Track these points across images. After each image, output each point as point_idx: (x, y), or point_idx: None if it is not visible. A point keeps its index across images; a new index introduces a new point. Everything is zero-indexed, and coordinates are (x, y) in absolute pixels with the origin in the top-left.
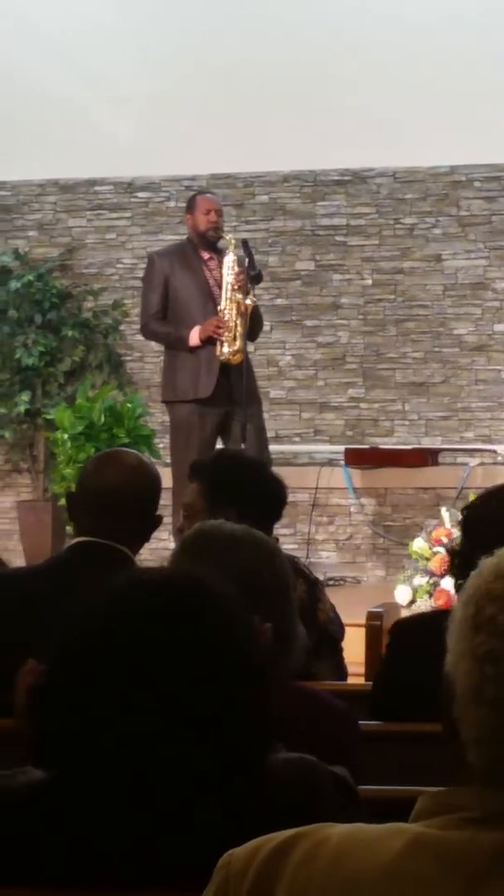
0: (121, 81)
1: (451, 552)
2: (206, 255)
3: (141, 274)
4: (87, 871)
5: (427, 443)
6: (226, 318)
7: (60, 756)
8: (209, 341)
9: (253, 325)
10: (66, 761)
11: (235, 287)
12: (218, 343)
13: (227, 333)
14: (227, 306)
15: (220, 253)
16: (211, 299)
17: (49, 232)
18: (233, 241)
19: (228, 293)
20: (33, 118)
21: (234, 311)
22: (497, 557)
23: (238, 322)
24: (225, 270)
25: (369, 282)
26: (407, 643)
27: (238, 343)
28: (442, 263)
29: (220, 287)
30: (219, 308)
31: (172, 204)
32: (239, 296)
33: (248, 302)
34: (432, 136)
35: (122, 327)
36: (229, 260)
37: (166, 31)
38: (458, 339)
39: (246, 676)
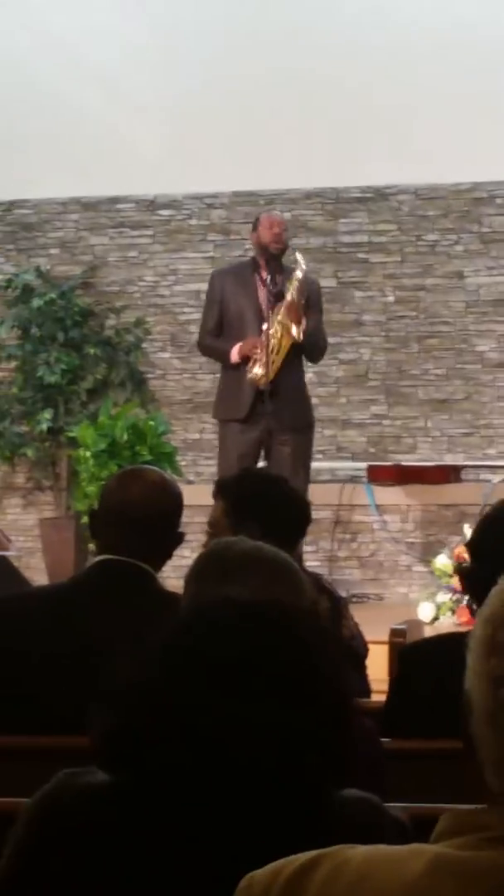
0: (143, 99)
1: (461, 572)
2: (265, 275)
3: (163, 292)
4: (138, 880)
5: (449, 459)
6: (264, 340)
7: (128, 762)
8: (246, 360)
9: (308, 351)
10: (134, 769)
11: (285, 314)
12: (251, 362)
13: (261, 354)
14: (274, 328)
15: (283, 272)
16: (264, 320)
17: (71, 250)
18: (301, 259)
19: (280, 315)
20: (55, 136)
21: (278, 334)
22: None
23: (276, 346)
24: (289, 287)
25: (391, 299)
26: (411, 670)
27: (268, 368)
28: (464, 280)
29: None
30: (264, 327)
31: (194, 222)
32: (287, 321)
33: (294, 333)
34: (454, 153)
35: (144, 345)
36: (294, 285)
37: (189, 49)
38: (481, 356)
39: (332, 710)
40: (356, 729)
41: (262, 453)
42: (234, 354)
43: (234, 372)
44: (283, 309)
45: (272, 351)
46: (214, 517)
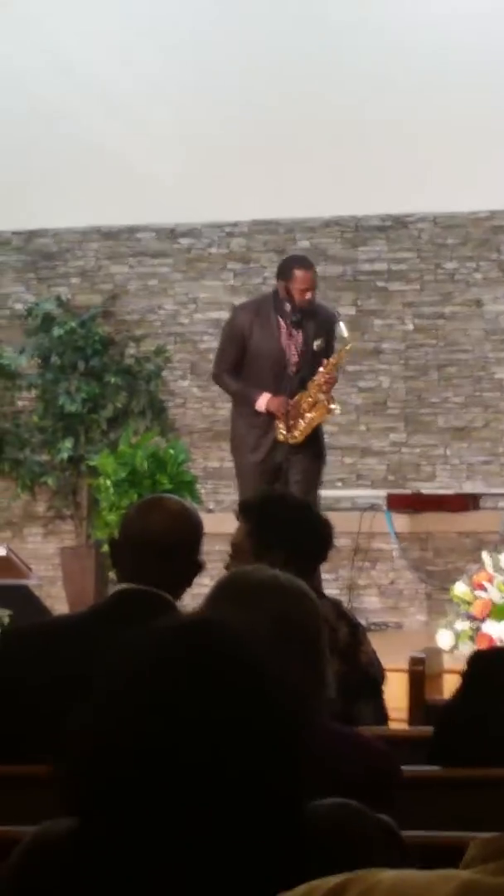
0: (163, 128)
1: None
2: (284, 322)
3: (183, 320)
4: None
5: (468, 487)
6: (298, 407)
7: (89, 805)
8: (273, 416)
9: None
10: (95, 810)
11: (325, 386)
12: (280, 422)
13: (291, 422)
14: (308, 396)
15: (306, 320)
16: (284, 367)
17: (91, 279)
18: (343, 329)
19: (320, 386)
20: (75, 165)
21: (310, 405)
22: None
23: (306, 417)
24: (325, 365)
25: (410, 327)
26: (485, 674)
27: (301, 429)
28: (483, 308)
29: (298, 356)
30: (298, 395)
31: (214, 250)
32: (322, 396)
33: (333, 407)
34: (472, 181)
35: (164, 373)
36: (332, 359)
37: (208, 80)
38: (500, 384)
39: (275, 723)
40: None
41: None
42: (262, 405)
43: (252, 416)
44: (321, 378)
45: (304, 411)
46: (237, 539)
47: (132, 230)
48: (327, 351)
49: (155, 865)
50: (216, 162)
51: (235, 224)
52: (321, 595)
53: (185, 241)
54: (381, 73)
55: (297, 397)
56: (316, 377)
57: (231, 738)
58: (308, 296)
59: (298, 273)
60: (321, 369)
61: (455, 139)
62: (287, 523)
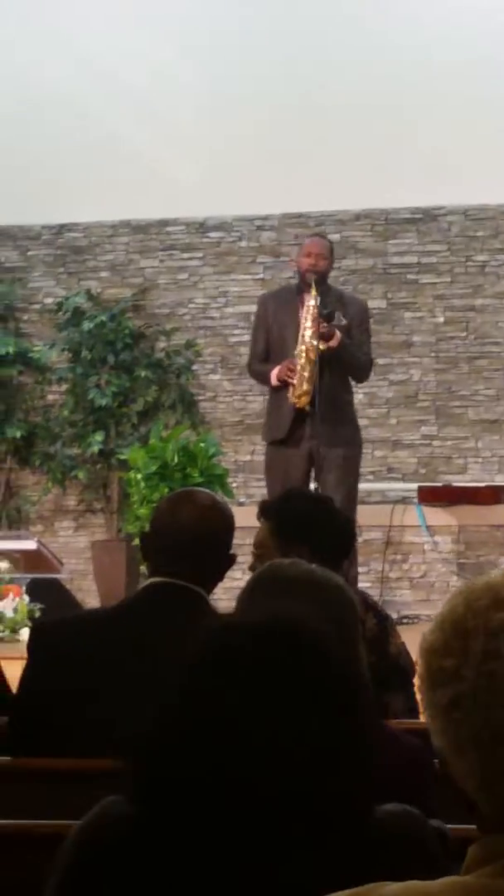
0: (192, 122)
1: None
2: (307, 298)
3: (213, 314)
4: None
5: (500, 480)
6: (297, 362)
7: (157, 795)
8: (284, 383)
9: (345, 365)
10: (162, 801)
11: (311, 331)
12: (290, 387)
13: (295, 377)
14: (300, 350)
15: (331, 295)
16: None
17: (121, 273)
18: (314, 284)
19: (305, 337)
20: (105, 160)
21: (304, 356)
22: (434, 616)
23: (308, 366)
24: (303, 314)
25: (441, 319)
26: None
27: (305, 386)
28: None
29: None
30: (294, 352)
31: (244, 244)
32: (313, 341)
33: (321, 347)
34: (503, 174)
35: (194, 367)
36: (310, 304)
37: (236, 73)
38: None
39: (350, 725)
40: (397, 749)
41: (312, 474)
42: (273, 378)
43: (276, 394)
44: (305, 330)
45: (302, 369)
46: (260, 539)
47: (162, 224)
48: (351, 335)
49: (218, 862)
50: (245, 156)
51: (266, 217)
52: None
53: (214, 235)
54: (410, 65)
55: (295, 358)
56: (306, 326)
57: (305, 744)
58: (312, 260)
59: (306, 241)
60: (307, 324)
61: (485, 131)
62: (308, 521)
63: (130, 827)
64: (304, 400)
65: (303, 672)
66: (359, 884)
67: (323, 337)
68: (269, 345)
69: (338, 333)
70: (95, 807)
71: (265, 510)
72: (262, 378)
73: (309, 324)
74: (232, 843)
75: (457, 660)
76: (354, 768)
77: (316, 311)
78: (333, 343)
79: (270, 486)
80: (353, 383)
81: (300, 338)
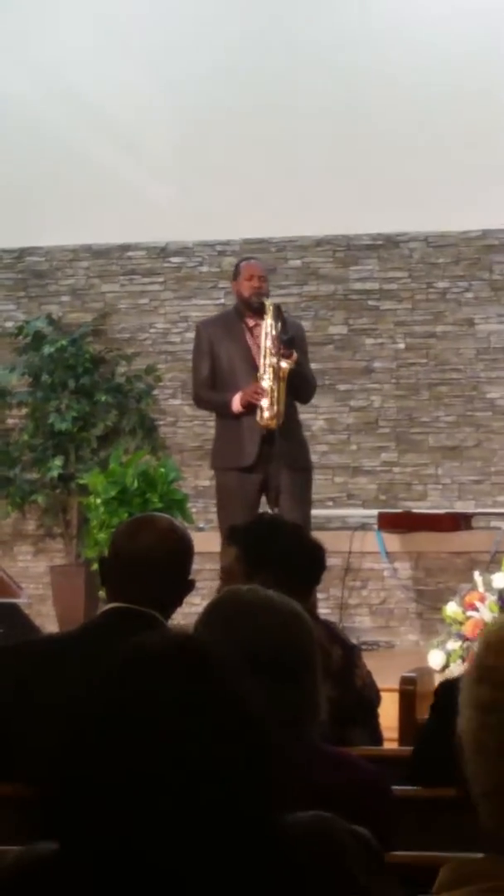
0: (154, 147)
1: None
2: (251, 322)
3: (174, 339)
4: None
5: (460, 507)
6: (263, 384)
7: (66, 827)
8: (250, 407)
9: (298, 386)
10: (72, 832)
11: (273, 352)
12: (258, 409)
13: (264, 399)
14: (266, 371)
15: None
16: (254, 366)
17: (82, 297)
18: (270, 306)
19: (266, 358)
20: (66, 184)
21: (272, 376)
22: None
23: (276, 387)
24: (262, 335)
25: (402, 346)
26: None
27: (276, 407)
28: (474, 327)
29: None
30: (258, 374)
31: (205, 269)
32: (275, 360)
33: (284, 365)
34: (464, 201)
35: (155, 392)
36: (266, 325)
37: (199, 98)
38: (491, 403)
39: (244, 738)
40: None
41: (264, 499)
42: (237, 403)
43: (233, 421)
44: (266, 350)
45: (271, 390)
46: (228, 564)
47: (123, 249)
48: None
49: (135, 887)
50: (207, 181)
51: (227, 243)
52: (315, 617)
53: (175, 260)
54: (373, 93)
55: (259, 380)
56: (268, 346)
57: (205, 760)
58: (256, 283)
59: (243, 265)
60: (267, 343)
61: (447, 159)
62: (278, 546)
63: (48, 868)
64: (275, 422)
65: (190, 692)
66: (277, 885)
67: (284, 356)
68: (216, 372)
69: (294, 353)
70: (14, 852)
71: (232, 535)
72: (218, 406)
73: (269, 343)
74: (137, 865)
75: None
76: (254, 784)
77: (276, 332)
78: (292, 363)
79: (223, 512)
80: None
81: (263, 359)
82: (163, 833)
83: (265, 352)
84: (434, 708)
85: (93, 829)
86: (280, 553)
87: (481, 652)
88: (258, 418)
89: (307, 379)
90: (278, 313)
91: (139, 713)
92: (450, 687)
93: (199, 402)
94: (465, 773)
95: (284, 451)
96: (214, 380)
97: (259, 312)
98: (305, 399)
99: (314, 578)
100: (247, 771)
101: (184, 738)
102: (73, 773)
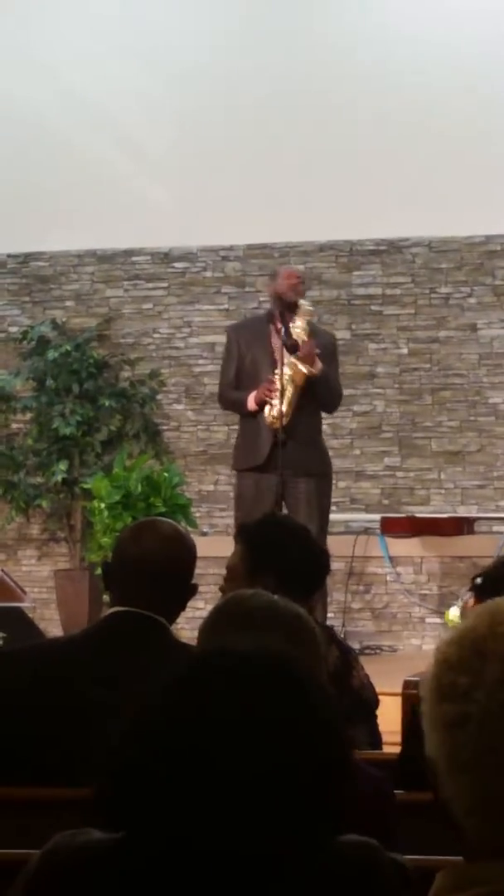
0: (158, 152)
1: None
2: (279, 325)
3: (178, 344)
4: None
5: (463, 511)
6: (276, 381)
7: (126, 820)
8: (263, 405)
9: (321, 394)
10: (132, 825)
11: (298, 354)
12: (268, 406)
13: (274, 396)
14: (283, 370)
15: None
16: (275, 367)
17: (86, 302)
18: (308, 308)
19: (289, 357)
20: (71, 189)
21: (288, 376)
22: (454, 628)
23: (289, 387)
24: (293, 332)
25: (405, 351)
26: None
27: (284, 407)
28: (477, 333)
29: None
30: (275, 371)
31: (209, 274)
32: (295, 361)
33: (303, 369)
34: (467, 206)
35: (158, 397)
36: (297, 326)
37: (203, 104)
38: (494, 408)
39: (330, 760)
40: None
41: (280, 501)
42: (251, 402)
43: (251, 420)
44: (305, 355)
45: (283, 389)
46: (232, 562)
47: (127, 254)
48: (322, 358)
49: (188, 882)
50: (211, 186)
51: (230, 248)
52: (314, 621)
53: (179, 265)
54: (376, 98)
55: (275, 376)
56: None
57: (273, 775)
58: (296, 284)
59: (283, 269)
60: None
61: (450, 164)
62: (282, 548)
63: (91, 857)
64: (278, 423)
65: (281, 705)
66: None
67: (306, 360)
68: (241, 374)
69: (318, 362)
70: (51, 840)
71: (241, 533)
72: (237, 405)
73: (303, 353)
74: (200, 873)
75: (470, 680)
76: (325, 798)
77: (308, 336)
78: (316, 369)
79: (240, 514)
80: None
81: (284, 356)
82: (224, 835)
83: (285, 350)
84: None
85: (159, 823)
86: (283, 555)
87: (438, 670)
88: (269, 420)
89: (332, 388)
90: (283, 318)
91: (219, 715)
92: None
93: (222, 402)
94: (443, 796)
95: (300, 458)
96: (239, 381)
97: (292, 309)
98: (329, 408)
99: (316, 583)
100: (323, 788)
101: (261, 745)
102: (148, 767)
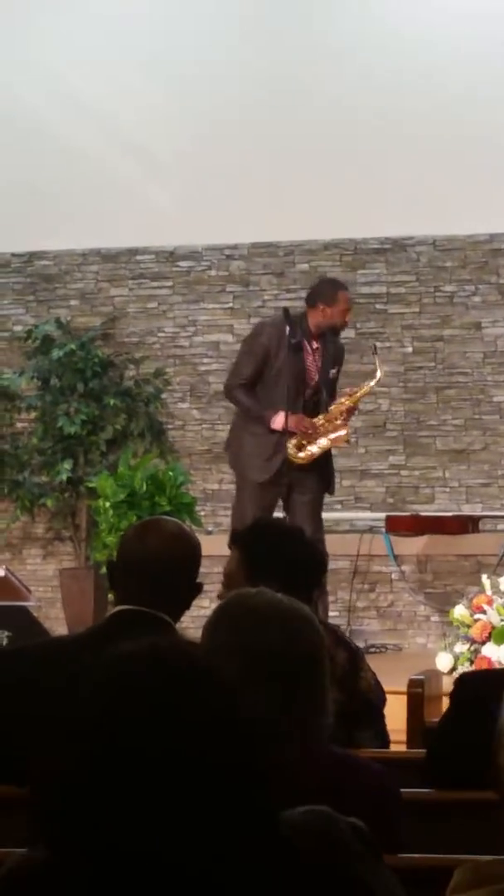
0: (162, 151)
1: None
2: (315, 344)
3: (182, 343)
4: None
5: (467, 510)
6: (318, 426)
7: (61, 833)
8: (286, 431)
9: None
10: (67, 837)
11: (346, 414)
12: (295, 439)
13: (304, 441)
14: (329, 418)
15: (325, 343)
16: (304, 388)
17: (91, 301)
18: (380, 369)
19: (342, 412)
20: (75, 188)
21: (326, 430)
22: None
23: (320, 442)
24: (358, 391)
25: (409, 349)
26: (470, 697)
27: (304, 456)
28: (482, 331)
29: (318, 376)
30: (321, 415)
31: (213, 273)
32: (339, 423)
33: (343, 433)
34: (472, 205)
35: (163, 396)
36: (368, 385)
37: (207, 102)
38: (498, 407)
39: (235, 750)
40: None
41: (281, 505)
42: (279, 424)
43: (260, 435)
44: (345, 405)
45: (319, 435)
46: (229, 568)
47: (132, 252)
48: (297, 347)
49: (130, 890)
50: (216, 185)
51: (235, 247)
52: (320, 622)
53: (184, 264)
54: (381, 96)
55: (316, 419)
56: (339, 402)
57: (194, 764)
58: (349, 317)
59: (342, 295)
60: (343, 399)
61: (455, 163)
62: (279, 551)
63: (43, 874)
64: (301, 461)
65: (179, 694)
66: (278, 878)
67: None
68: (262, 379)
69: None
70: (10, 859)
71: (236, 539)
72: (251, 412)
73: (346, 407)
74: (141, 867)
75: None
76: (245, 788)
77: (357, 402)
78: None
79: (237, 513)
80: None
81: (336, 404)
82: (158, 833)
83: (344, 404)
84: (454, 702)
85: (85, 835)
86: (281, 558)
87: None
88: (290, 451)
89: None
90: (287, 317)
91: (130, 717)
92: (471, 680)
93: (231, 397)
94: (499, 762)
95: (310, 473)
96: (257, 384)
97: (324, 335)
98: None
99: (316, 582)
100: (238, 768)
101: (174, 739)
102: (66, 777)
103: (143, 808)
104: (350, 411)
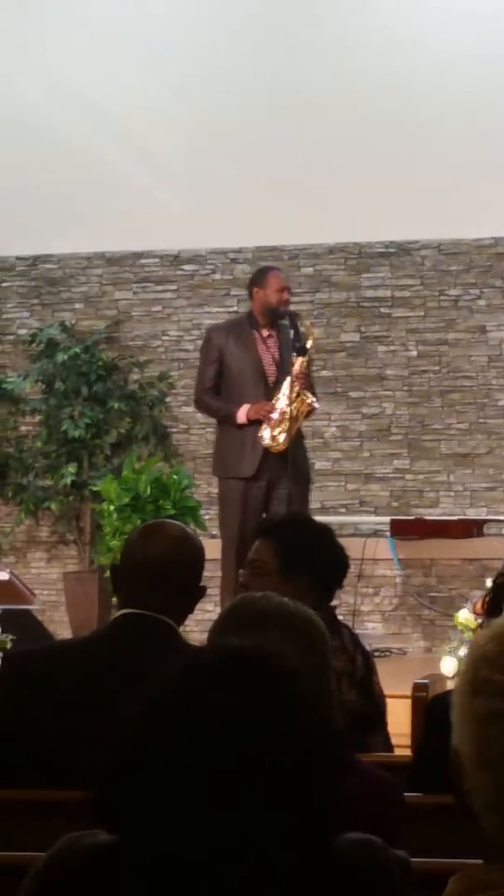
0: (167, 155)
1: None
2: (265, 333)
3: (187, 346)
4: None
5: (472, 514)
6: (279, 407)
7: (121, 823)
8: (256, 421)
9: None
10: (126, 828)
11: (303, 383)
12: (263, 426)
13: (274, 421)
14: (285, 396)
15: (279, 330)
16: (263, 377)
17: (95, 304)
18: (313, 333)
19: (296, 386)
20: (80, 192)
21: (293, 404)
22: (493, 624)
23: (290, 415)
24: (297, 363)
25: (414, 353)
26: (443, 716)
27: (282, 436)
28: (486, 335)
29: (275, 365)
30: (276, 396)
31: (218, 276)
32: (303, 392)
33: (310, 401)
34: (476, 209)
35: (168, 399)
36: (297, 362)
37: (212, 106)
38: (503, 410)
39: (318, 757)
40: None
41: (267, 504)
42: (242, 416)
43: (237, 432)
44: (295, 377)
45: (293, 418)
46: (260, 557)
47: (136, 256)
48: (304, 349)
49: (188, 884)
50: (221, 189)
51: (239, 250)
52: (338, 623)
53: (189, 268)
54: (385, 100)
55: (274, 399)
56: (297, 373)
57: (269, 770)
58: (286, 295)
59: (271, 275)
60: (294, 367)
61: (459, 166)
62: (314, 549)
63: (96, 859)
64: (280, 448)
65: (271, 704)
66: None
67: (312, 392)
68: (224, 380)
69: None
70: (59, 841)
71: (269, 529)
72: (221, 414)
73: (298, 369)
74: (199, 873)
75: None
76: (316, 799)
77: (310, 366)
78: (311, 401)
79: (226, 519)
80: None
81: (289, 384)
82: (219, 839)
83: (293, 377)
84: (429, 725)
85: (154, 827)
86: (316, 555)
87: (475, 664)
88: (262, 440)
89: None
90: (292, 320)
91: (211, 717)
92: (442, 701)
93: (200, 405)
94: (463, 787)
95: (287, 465)
96: (220, 387)
97: (274, 322)
98: None
99: (339, 582)
100: (314, 788)
101: (254, 745)
102: (140, 776)
103: (208, 810)
104: (301, 376)
